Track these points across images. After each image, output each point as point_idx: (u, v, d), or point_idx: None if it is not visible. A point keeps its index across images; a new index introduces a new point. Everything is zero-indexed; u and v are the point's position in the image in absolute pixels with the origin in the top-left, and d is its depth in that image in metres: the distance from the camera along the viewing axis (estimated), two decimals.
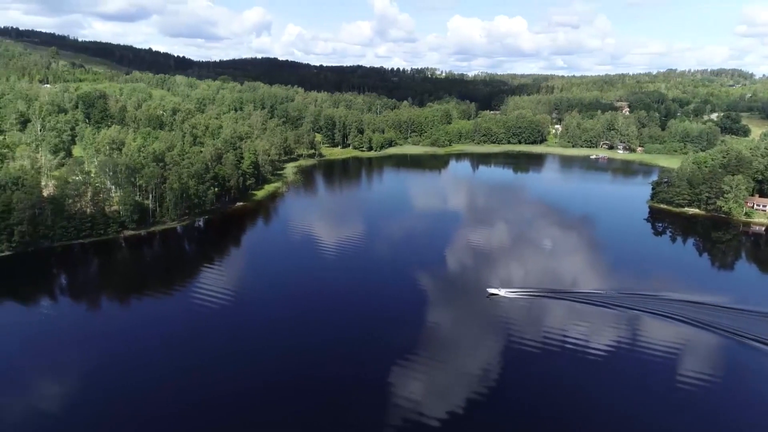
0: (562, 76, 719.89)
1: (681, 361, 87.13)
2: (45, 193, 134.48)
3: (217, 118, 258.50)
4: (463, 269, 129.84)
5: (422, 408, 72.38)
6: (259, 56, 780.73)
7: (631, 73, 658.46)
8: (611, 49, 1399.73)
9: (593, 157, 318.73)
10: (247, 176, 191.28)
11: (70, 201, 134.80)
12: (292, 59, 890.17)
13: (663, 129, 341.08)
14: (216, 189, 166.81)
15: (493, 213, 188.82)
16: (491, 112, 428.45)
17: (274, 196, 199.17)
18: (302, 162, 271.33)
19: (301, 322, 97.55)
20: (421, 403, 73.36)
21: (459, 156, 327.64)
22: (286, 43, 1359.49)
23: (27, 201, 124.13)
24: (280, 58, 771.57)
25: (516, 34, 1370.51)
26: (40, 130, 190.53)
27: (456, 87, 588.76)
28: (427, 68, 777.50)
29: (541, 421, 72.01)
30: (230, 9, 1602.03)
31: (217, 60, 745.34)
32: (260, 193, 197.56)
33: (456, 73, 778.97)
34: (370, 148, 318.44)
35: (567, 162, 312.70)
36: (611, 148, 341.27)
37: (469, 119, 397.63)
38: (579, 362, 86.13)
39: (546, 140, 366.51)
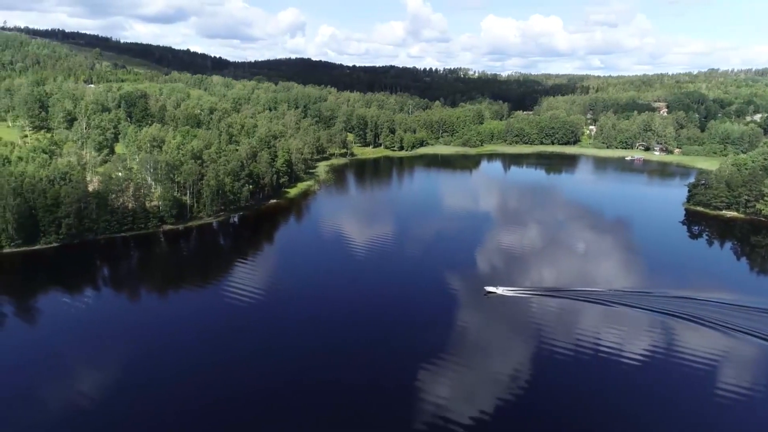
0: (598, 76, 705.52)
1: (718, 369, 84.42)
2: (90, 188, 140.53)
3: (252, 118, 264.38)
4: (494, 271, 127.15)
5: (446, 412, 71.65)
6: (293, 57, 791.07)
7: (670, 73, 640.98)
8: (650, 48, 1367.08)
9: (628, 158, 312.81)
10: (281, 174, 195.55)
11: (113, 196, 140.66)
12: (326, 60, 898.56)
13: (702, 130, 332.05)
14: (251, 186, 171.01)
15: (525, 214, 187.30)
16: (524, 112, 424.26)
17: (306, 194, 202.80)
18: (334, 161, 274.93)
19: (329, 322, 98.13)
20: (446, 408, 72.67)
21: (490, 156, 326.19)
22: (320, 44, 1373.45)
23: (74, 195, 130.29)
24: (314, 59, 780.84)
25: (551, 34, 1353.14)
26: (86, 128, 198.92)
27: (489, 87, 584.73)
28: (460, 68, 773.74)
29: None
30: (265, 10, 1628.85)
31: (252, 60, 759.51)
32: (293, 191, 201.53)
33: (489, 73, 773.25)
34: (402, 148, 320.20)
35: (601, 163, 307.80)
36: (647, 149, 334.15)
37: (501, 120, 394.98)
38: (612, 368, 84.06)
39: (580, 141, 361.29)
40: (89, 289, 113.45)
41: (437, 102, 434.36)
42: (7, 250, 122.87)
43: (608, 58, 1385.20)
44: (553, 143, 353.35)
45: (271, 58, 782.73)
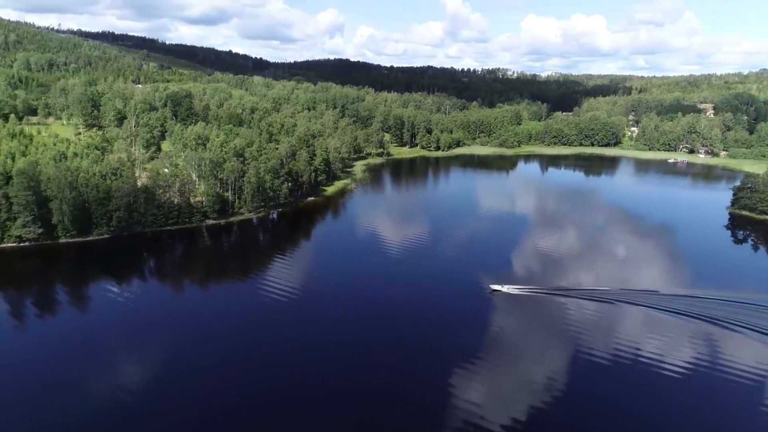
0: (642, 77, 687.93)
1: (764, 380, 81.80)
2: (139, 184, 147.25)
3: (291, 117, 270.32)
4: (530, 274, 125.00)
5: (477, 417, 70.89)
6: (332, 57, 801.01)
7: (718, 74, 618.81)
8: (698, 47, 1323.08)
9: (671, 161, 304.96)
10: (319, 172, 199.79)
11: (161, 191, 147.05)
12: (364, 60, 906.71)
13: (751, 133, 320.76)
14: (289, 184, 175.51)
15: (563, 217, 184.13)
16: (563, 113, 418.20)
17: (343, 193, 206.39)
18: (371, 160, 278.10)
19: (362, 321, 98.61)
20: (477, 412, 71.75)
21: (528, 157, 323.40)
22: (358, 44, 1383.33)
23: (124, 190, 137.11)
24: (352, 59, 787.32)
25: (593, 33, 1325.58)
26: (134, 126, 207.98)
27: (527, 88, 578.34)
28: (499, 68, 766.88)
29: None
30: (305, 11, 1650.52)
31: (292, 61, 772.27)
32: (330, 189, 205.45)
33: (528, 73, 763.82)
34: (438, 148, 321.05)
35: (642, 165, 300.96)
36: (692, 152, 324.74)
37: (539, 121, 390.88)
38: (653, 378, 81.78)
39: (620, 143, 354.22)
40: (136, 279, 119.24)
41: (474, 102, 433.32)
42: (63, 240, 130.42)
43: (653, 58, 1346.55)
44: (592, 145, 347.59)
45: (310, 59, 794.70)
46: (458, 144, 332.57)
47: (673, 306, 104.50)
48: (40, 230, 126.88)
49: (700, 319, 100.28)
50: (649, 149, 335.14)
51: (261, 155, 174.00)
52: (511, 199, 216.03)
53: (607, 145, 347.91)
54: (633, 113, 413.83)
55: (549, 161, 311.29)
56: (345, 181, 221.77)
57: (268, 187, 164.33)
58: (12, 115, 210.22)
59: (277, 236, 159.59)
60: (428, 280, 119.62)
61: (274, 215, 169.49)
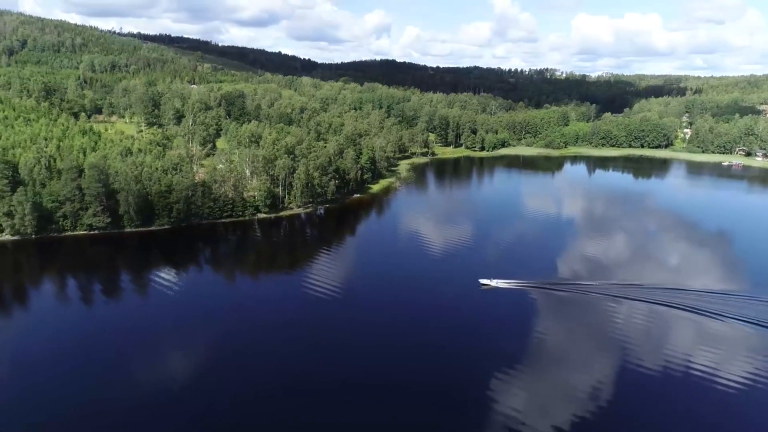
0: (699, 77, 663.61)
1: None
2: (197, 179, 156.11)
3: (339, 117, 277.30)
4: (575, 277, 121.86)
5: (517, 423, 70.19)
6: (378, 58, 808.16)
7: None
8: (761, 46, 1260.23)
9: (726, 163, 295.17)
10: (365, 171, 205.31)
11: (216, 186, 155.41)
12: (410, 61, 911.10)
13: None
14: (336, 181, 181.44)
15: (611, 221, 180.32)
16: (613, 114, 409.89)
17: (387, 191, 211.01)
18: (415, 160, 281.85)
19: (403, 321, 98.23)
20: (516, 416, 71.20)
21: (574, 158, 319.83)
22: (404, 45, 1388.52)
23: (183, 184, 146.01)
24: (398, 60, 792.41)
25: (648, 32, 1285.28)
26: (192, 125, 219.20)
27: (576, 88, 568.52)
28: (547, 69, 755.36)
29: None
30: (352, 12, 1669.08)
31: (339, 62, 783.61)
32: (375, 187, 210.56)
33: (577, 74, 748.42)
34: (483, 149, 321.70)
35: (695, 168, 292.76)
36: (748, 154, 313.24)
37: (587, 122, 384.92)
38: (702, 389, 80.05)
39: (672, 145, 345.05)
40: (192, 268, 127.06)
41: (521, 103, 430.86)
42: (128, 229, 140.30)
43: (712, 58, 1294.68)
44: (642, 146, 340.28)
45: (357, 60, 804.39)
46: (503, 144, 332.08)
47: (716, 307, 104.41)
48: (108, 220, 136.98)
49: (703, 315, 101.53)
50: (703, 151, 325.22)
51: (310, 153, 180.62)
52: (555, 200, 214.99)
53: (658, 147, 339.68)
54: (687, 114, 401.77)
55: (596, 163, 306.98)
56: (390, 179, 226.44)
57: (317, 183, 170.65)
58: (82, 114, 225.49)
59: (323, 231, 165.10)
60: (471, 282, 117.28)
61: (321, 211, 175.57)
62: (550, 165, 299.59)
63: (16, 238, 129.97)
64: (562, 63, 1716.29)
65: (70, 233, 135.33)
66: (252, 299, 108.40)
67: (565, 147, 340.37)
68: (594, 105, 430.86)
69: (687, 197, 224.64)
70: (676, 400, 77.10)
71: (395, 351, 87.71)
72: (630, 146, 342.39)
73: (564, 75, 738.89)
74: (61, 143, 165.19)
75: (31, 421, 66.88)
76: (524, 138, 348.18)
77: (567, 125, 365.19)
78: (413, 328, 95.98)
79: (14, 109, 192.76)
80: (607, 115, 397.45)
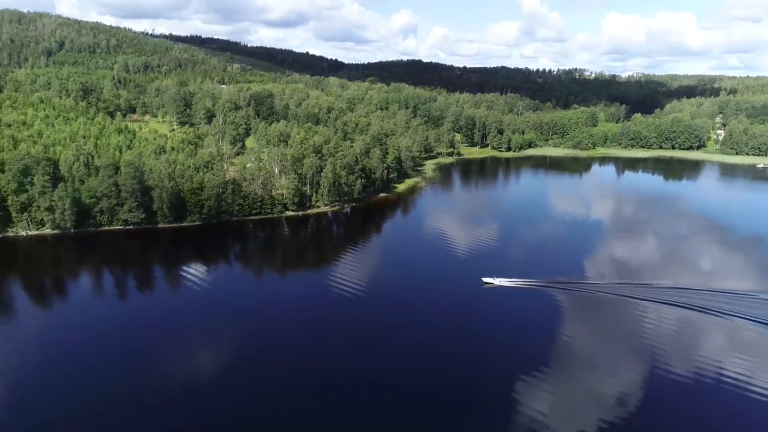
0: (734, 77, 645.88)
1: None
2: (227, 177, 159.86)
3: (365, 117, 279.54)
4: (602, 280, 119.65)
5: (543, 427, 70.03)
6: (405, 58, 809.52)
7: None
8: None
9: (760, 166, 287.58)
10: (391, 170, 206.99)
11: (246, 183, 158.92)
12: (436, 61, 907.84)
13: None
14: (363, 180, 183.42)
15: (640, 224, 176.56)
16: (643, 115, 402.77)
17: (413, 190, 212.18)
18: (441, 160, 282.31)
19: (425, 323, 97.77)
20: (541, 421, 70.82)
21: (603, 160, 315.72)
22: (431, 45, 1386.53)
23: (214, 181, 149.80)
24: (425, 60, 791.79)
25: (682, 31, 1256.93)
26: (222, 124, 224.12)
27: (606, 88, 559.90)
28: (576, 69, 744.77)
29: None
30: (379, 13, 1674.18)
31: (366, 62, 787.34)
32: (401, 187, 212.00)
33: (607, 74, 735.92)
34: (509, 149, 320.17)
35: (728, 170, 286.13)
36: None
37: (617, 123, 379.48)
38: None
39: (704, 146, 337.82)
40: (221, 263, 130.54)
41: (549, 103, 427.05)
42: (161, 225, 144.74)
43: (748, 57, 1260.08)
44: (673, 148, 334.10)
45: (384, 60, 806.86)
46: (530, 145, 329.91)
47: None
48: (143, 215, 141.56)
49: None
50: (737, 153, 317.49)
51: (337, 152, 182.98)
52: (582, 201, 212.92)
53: (690, 148, 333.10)
54: (720, 115, 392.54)
55: (625, 164, 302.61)
56: (415, 179, 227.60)
57: (343, 182, 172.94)
58: (118, 113, 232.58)
59: (349, 230, 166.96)
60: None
61: (348, 209, 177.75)
62: (578, 166, 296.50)
63: (56, 231, 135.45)
64: (592, 63, 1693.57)
65: (106, 228, 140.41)
66: (277, 297, 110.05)
67: (593, 148, 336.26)
68: (624, 105, 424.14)
69: (719, 200, 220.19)
70: (692, 405, 77.04)
71: (418, 352, 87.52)
72: (660, 147, 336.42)
73: (593, 75, 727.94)
74: (98, 141, 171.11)
75: (63, 409, 69.55)
76: (551, 138, 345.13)
77: (595, 126, 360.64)
78: (435, 329, 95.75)
79: (54, 109, 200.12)
80: (637, 115, 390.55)
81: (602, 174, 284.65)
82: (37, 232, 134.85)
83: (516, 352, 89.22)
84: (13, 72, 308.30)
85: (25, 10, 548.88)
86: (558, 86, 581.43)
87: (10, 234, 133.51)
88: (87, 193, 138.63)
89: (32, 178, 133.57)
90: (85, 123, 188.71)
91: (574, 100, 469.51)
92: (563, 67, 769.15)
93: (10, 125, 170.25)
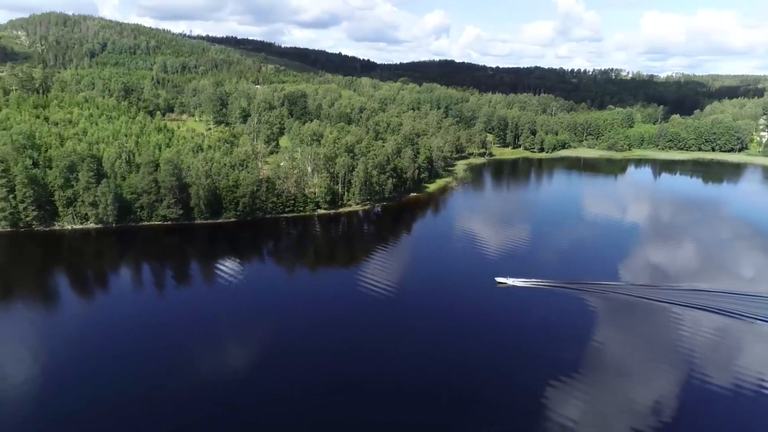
0: None
1: None
2: (261, 175, 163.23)
3: (397, 117, 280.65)
4: (637, 286, 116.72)
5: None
6: (437, 59, 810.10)
7: None
8: None
9: None
10: (422, 170, 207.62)
11: (279, 182, 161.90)
12: (469, 61, 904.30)
13: None
14: (394, 180, 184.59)
15: (677, 228, 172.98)
16: (682, 116, 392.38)
17: (444, 190, 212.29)
18: (472, 160, 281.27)
19: (454, 326, 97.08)
20: (571, 428, 70.36)
21: (639, 161, 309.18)
22: (464, 45, 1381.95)
23: (249, 179, 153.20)
24: (457, 60, 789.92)
25: (724, 30, 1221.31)
26: (257, 123, 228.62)
27: (643, 89, 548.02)
28: (612, 69, 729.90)
29: None
30: (412, 13, 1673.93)
31: (398, 63, 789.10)
32: (432, 187, 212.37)
33: (644, 74, 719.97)
34: (542, 150, 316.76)
35: None
36: None
37: (654, 124, 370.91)
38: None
39: (747, 149, 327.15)
40: (254, 260, 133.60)
41: (583, 104, 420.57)
42: (198, 221, 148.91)
43: None
44: (713, 150, 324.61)
45: (416, 60, 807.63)
46: (563, 146, 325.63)
47: None
48: (181, 211, 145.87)
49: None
50: None
51: (369, 152, 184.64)
52: (617, 204, 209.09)
53: (731, 150, 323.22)
54: (764, 117, 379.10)
55: (662, 166, 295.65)
56: (446, 179, 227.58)
57: (375, 181, 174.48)
58: (157, 112, 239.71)
59: (380, 229, 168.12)
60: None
61: (378, 208, 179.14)
62: (613, 168, 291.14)
63: (99, 226, 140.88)
64: (629, 63, 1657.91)
65: (146, 223, 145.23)
66: (307, 294, 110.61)
67: (629, 149, 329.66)
68: (662, 106, 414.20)
69: (762, 204, 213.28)
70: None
71: (446, 354, 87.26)
72: (700, 149, 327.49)
73: (630, 75, 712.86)
74: (139, 139, 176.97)
75: (96, 397, 72.26)
76: (586, 140, 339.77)
77: (632, 127, 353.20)
78: (458, 331, 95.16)
79: (98, 108, 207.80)
80: (676, 117, 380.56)
81: (638, 176, 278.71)
82: (81, 226, 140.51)
83: (545, 355, 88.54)
84: (59, 72, 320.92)
85: (70, 13, 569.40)
86: (593, 86, 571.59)
87: (57, 227, 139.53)
88: (128, 189, 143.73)
89: (77, 174, 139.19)
90: (126, 122, 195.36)
91: (609, 101, 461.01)
92: (599, 67, 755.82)
93: (57, 123, 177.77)
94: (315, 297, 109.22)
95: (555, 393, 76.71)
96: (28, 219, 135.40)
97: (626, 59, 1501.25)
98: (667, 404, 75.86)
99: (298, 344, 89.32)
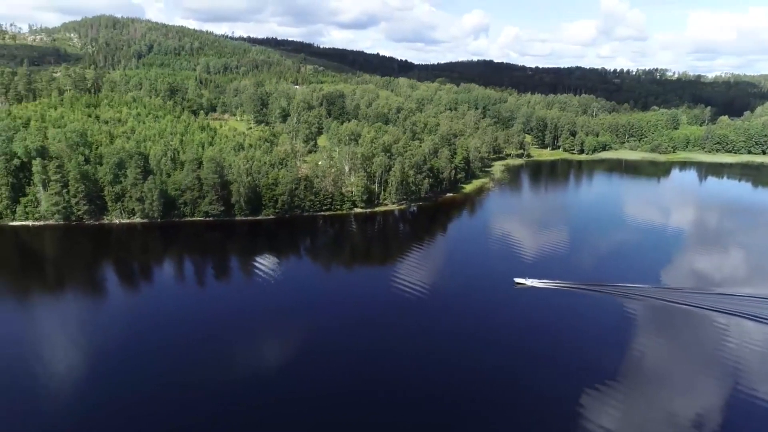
0: None
1: None
2: (300, 173, 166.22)
3: (434, 117, 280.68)
4: (682, 295, 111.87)
5: None
6: (475, 59, 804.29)
7: None
8: None
9: None
10: (458, 170, 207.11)
11: (317, 180, 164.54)
12: (507, 61, 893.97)
13: None
14: (430, 180, 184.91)
15: (725, 235, 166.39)
16: (731, 118, 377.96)
17: (480, 191, 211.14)
18: (510, 161, 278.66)
19: (488, 329, 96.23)
20: None
21: (683, 164, 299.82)
22: (502, 45, 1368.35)
23: (288, 177, 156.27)
24: (495, 60, 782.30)
25: None
26: (296, 123, 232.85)
27: (689, 89, 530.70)
28: (657, 69, 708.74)
29: None
30: (451, 13, 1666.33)
31: (435, 63, 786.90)
32: (468, 187, 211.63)
33: (691, 74, 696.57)
34: (582, 151, 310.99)
35: None
36: None
37: (701, 125, 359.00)
38: None
39: None
40: (292, 256, 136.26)
41: (626, 105, 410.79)
42: (238, 218, 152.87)
43: None
44: (764, 153, 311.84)
45: (453, 60, 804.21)
46: (604, 147, 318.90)
47: None
48: (222, 208, 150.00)
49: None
50: None
51: (406, 152, 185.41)
52: (658, 207, 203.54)
53: None
54: None
55: (708, 169, 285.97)
56: (483, 179, 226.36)
57: (411, 181, 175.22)
58: (201, 112, 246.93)
59: (415, 228, 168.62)
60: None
61: (414, 208, 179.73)
62: (656, 170, 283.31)
63: (144, 220, 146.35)
64: (674, 62, 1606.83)
65: (189, 219, 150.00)
66: (340, 294, 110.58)
67: (674, 152, 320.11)
68: (709, 107, 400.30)
69: None
70: None
71: (477, 358, 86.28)
72: (749, 152, 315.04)
73: (676, 75, 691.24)
74: (183, 138, 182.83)
75: (136, 386, 74.77)
76: (628, 141, 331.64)
77: (677, 129, 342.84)
78: (495, 336, 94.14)
79: (145, 107, 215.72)
80: (724, 118, 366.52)
81: (682, 179, 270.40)
82: (128, 221, 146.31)
83: (588, 361, 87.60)
84: (109, 73, 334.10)
85: (119, 16, 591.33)
86: (636, 87, 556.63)
87: (105, 221, 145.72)
88: (173, 185, 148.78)
89: (126, 171, 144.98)
90: (171, 121, 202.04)
91: (653, 102, 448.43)
92: (643, 67, 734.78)
93: (107, 122, 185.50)
94: (348, 295, 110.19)
95: (591, 401, 75.81)
96: (79, 213, 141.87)
97: (672, 59, 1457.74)
98: (707, 418, 73.83)
99: (328, 344, 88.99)
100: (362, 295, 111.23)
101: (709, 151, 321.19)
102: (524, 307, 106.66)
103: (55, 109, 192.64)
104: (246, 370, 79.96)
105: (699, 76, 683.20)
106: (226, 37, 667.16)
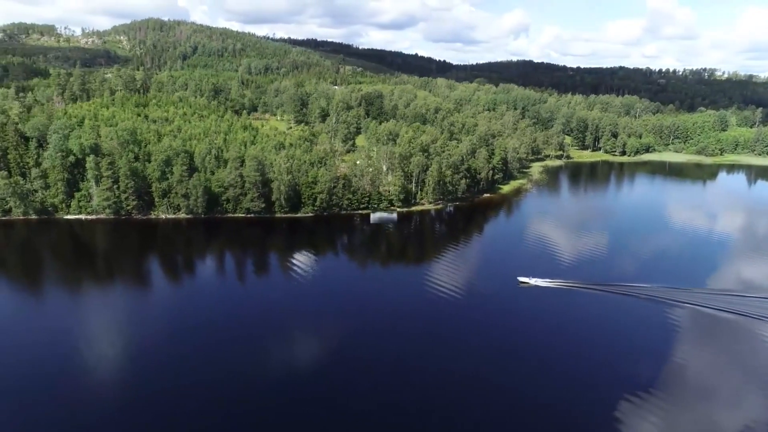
0: None
1: None
2: (338, 172, 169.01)
3: (472, 117, 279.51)
4: (727, 302, 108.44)
5: None
6: (514, 59, 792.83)
7: None
8: None
9: None
10: (496, 171, 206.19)
11: (355, 179, 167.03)
12: (548, 61, 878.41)
13: None
14: (467, 180, 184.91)
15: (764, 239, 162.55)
16: None
17: (518, 192, 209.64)
18: (549, 162, 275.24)
19: (524, 334, 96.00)
20: None
21: (731, 167, 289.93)
22: (543, 45, 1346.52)
23: (327, 176, 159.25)
24: (535, 60, 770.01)
25: None
26: (335, 123, 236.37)
27: (740, 90, 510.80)
28: (705, 69, 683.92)
29: None
30: (491, 13, 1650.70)
31: (474, 63, 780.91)
32: (506, 188, 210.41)
33: (742, 74, 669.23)
34: (624, 153, 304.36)
35: None
36: None
37: (751, 127, 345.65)
38: None
39: None
40: (329, 254, 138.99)
41: (671, 105, 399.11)
42: (278, 215, 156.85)
43: None
44: None
45: (492, 61, 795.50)
46: (647, 149, 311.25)
47: None
48: (263, 205, 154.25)
49: None
50: None
51: (443, 152, 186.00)
52: (706, 213, 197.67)
53: None
54: None
55: (759, 173, 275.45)
56: (521, 180, 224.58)
57: (448, 181, 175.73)
58: (243, 111, 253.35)
59: (451, 228, 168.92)
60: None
61: (451, 208, 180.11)
62: (701, 173, 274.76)
63: (189, 216, 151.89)
64: (725, 62, 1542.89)
65: (231, 215, 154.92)
66: (374, 292, 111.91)
67: (721, 154, 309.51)
68: (760, 109, 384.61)
69: None
70: None
71: (512, 362, 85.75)
72: None
73: (726, 75, 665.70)
74: (226, 137, 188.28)
75: (173, 378, 77.43)
76: (672, 143, 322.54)
77: (725, 130, 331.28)
78: (536, 340, 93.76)
79: (190, 107, 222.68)
80: None
81: (729, 183, 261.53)
82: (173, 216, 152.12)
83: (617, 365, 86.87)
84: (156, 74, 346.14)
85: (165, 19, 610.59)
86: (683, 87, 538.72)
87: (152, 216, 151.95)
88: (216, 182, 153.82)
89: (172, 168, 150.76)
90: (215, 120, 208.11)
91: (700, 103, 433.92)
92: (690, 67, 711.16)
93: (155, 121, 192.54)
94: (382, 295, 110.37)
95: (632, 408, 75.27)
96: (128, 208, 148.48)
97: (723, 58, 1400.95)
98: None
99: (360, 347, 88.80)
100: (395, 298, 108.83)
101: (760, 154, 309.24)
102: (562, 313, 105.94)
103: (107, 108, 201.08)
104: (278, 370, 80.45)
105: (751, 76, 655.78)
106: (267, 38, 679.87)
